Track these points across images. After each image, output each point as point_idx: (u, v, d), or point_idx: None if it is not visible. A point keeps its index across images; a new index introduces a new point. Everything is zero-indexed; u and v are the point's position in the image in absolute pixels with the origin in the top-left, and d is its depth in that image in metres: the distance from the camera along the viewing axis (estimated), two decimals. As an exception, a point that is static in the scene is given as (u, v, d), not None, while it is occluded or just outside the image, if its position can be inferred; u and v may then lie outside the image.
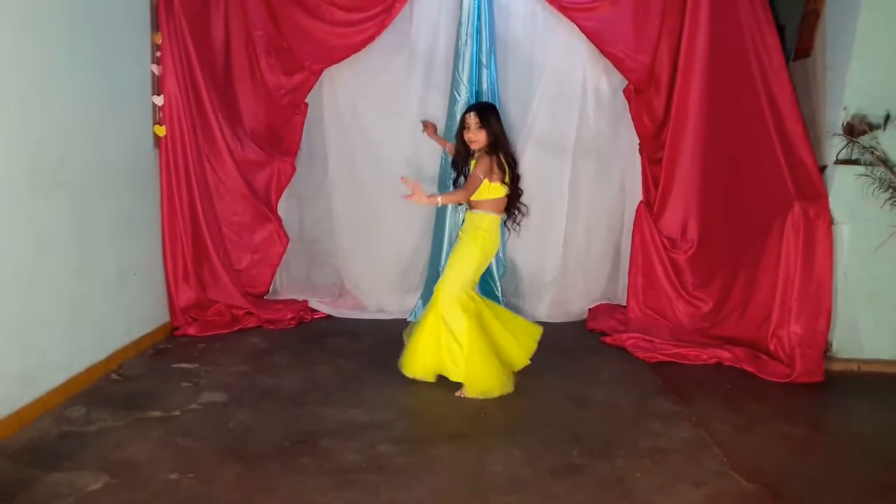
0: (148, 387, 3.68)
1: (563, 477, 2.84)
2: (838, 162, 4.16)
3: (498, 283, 5.05)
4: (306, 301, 5.17)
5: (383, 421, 3.32)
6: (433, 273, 5.08)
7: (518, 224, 3.92)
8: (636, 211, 4.93)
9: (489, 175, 3.63)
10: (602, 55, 4.88)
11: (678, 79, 4.65)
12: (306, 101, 5.09)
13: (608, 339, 4.63)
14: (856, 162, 4.12)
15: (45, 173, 3.31)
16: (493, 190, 3.69)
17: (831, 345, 4.20)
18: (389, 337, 4.66)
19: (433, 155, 5.03)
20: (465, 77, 4.85)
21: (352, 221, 5.26)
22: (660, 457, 3.01)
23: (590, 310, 5.21)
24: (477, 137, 3.71)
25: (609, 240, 5.29)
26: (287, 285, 5.35)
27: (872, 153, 4.05)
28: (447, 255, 5.01)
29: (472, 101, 4.84)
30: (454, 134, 4.04)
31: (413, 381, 3.81)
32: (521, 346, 3.93)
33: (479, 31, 4.83)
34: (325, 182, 5.25)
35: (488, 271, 4.87)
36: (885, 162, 4.04)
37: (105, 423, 3.19)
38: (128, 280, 4.12)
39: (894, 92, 4.08)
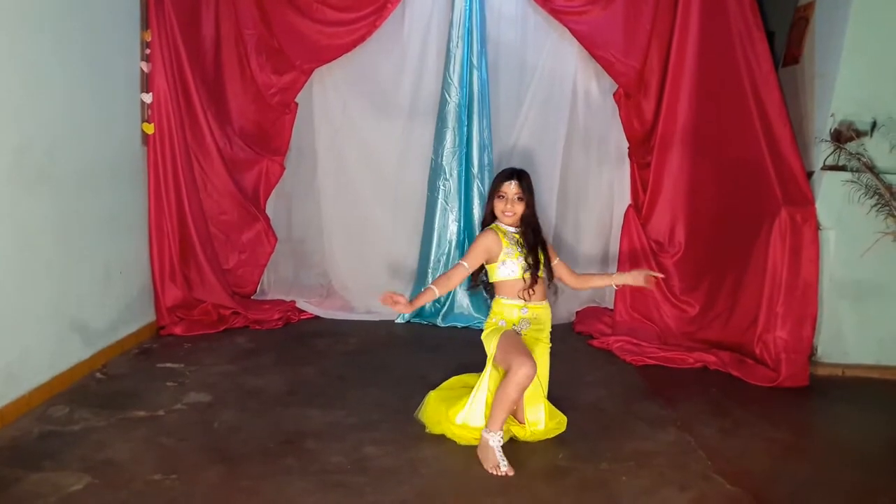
0: (132, 386, 3.65)
1: (549, 479, 2.84)
2: (825, 168, 4.19)
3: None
4: (293, 301, 5.14)
5: (369, 422, 3.30)
6: (421, 274, 5.07)
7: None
8: (625, 214, 4.93)
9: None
10: (592, 59, 4.90)
11: (668, 83, 4.67)
12: (296, 100, 5.07)
13: (595, 342, 4.64)
14: (843, 168, 4.14)
15: (31, 169, 3.28)
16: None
17: (816, 349, 4.22)
18: (376, 338, 4.68)
19: (423, 156, 5.03)
20: (455, 79, 4.86)
21: (341, 222, 5.25)
22: (645, 460, 3.02)
23: (577, 312, 5.22)
24: (516, 209, 3.14)
25: (598, 242, 5.31)
26: (274, 285, 5.33)
27: (859, 159, 4.08)
28: (436, 256, 5.03)
29: (464, 103, 4.85)
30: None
31: (399, 384, 3.80)
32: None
33: (470, 33, 4.84)
34: (314, 182, 5.23)
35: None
36: (871, 168, 4.07)
37: (88, 423, 3.16)
38: (114, 278, 4.09)
39: (881, 99, 4.11)
